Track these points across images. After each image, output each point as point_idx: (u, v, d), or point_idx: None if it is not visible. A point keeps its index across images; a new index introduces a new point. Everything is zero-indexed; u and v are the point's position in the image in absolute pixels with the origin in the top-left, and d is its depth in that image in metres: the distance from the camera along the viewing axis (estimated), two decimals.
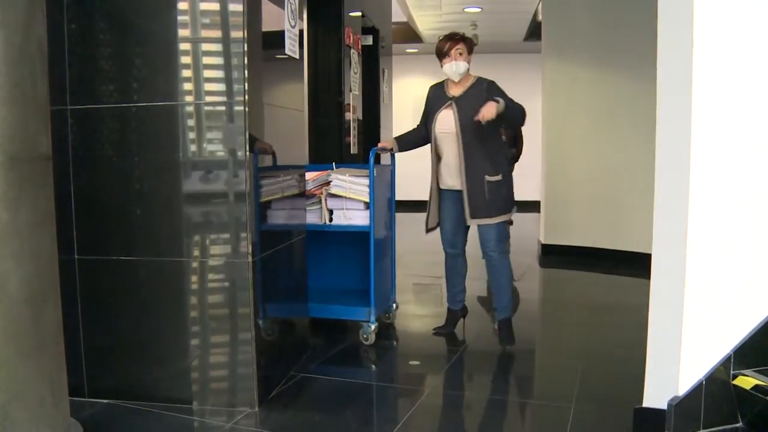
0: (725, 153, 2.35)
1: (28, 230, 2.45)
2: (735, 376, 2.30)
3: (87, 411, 2.95)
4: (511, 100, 3.73)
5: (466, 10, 9.76)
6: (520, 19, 10.54)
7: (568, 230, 6.78)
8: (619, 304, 4.92)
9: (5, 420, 2.40)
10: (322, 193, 3.96)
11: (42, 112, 2.55)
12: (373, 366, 3.93)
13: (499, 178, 3.82)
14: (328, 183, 3.96)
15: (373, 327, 3.95)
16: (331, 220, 3.99)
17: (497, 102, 3.63)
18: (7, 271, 2.37)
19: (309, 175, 3.96)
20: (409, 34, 12.11)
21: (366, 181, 3.89)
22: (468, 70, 3.90)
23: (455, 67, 3.85)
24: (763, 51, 2.34)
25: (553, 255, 6.86)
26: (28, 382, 2.47)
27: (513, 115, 3.80)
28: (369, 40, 6.07)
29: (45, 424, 2.58)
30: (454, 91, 3.92)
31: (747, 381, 2.26)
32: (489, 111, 3.60)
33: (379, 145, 4.26)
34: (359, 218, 3.97)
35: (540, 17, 8.44)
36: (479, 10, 9.68)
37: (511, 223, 5.65)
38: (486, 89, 3.80)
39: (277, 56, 3.42)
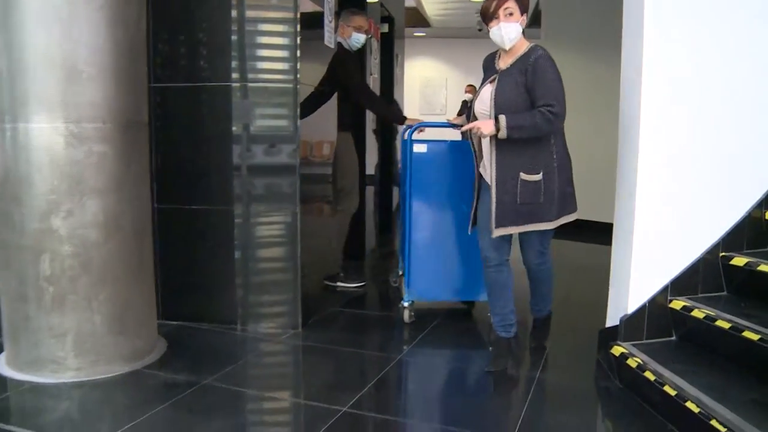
0: (665, 134, 3.08)
1: (135, 180, 3.21)
2: (670, 301, 3.06)
3: (162, 330, 3.66)
4: (541, 110, 2.94)
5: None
6: None
7: None
8: (594, 265, 5.64)
9: (122, 323, 3.16)
10: None
11: (143, 89, 3.29)
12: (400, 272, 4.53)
13: (537, 177, 3.03)
14: None
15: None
16: None
17: (497, 122, 2.97)
18: (122, 210, 3.12)
19: None
20: (416, 18, 12.74)
21: None
22: (521, 34, 3.11)
23: (502, 32, 3.04)
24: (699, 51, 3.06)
25: None
26: (135, 298, 3.23)
27: (521, 137, 3.00)
28: (385, 28, 6.75)
29: (145, 334, 3.35)
30: (503, 63, 3.17)
31: (678, 304, 3.02)
32: (484, 127, 3.01)
33: (452, 119, 3.88)
34: None
35: (540, 6, 9.03)
36: None
37: None
38: (531, 66, 3.01)
39: (316, 46, 4.14)
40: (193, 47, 3.73)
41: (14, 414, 2.77)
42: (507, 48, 3.11)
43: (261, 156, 3.77)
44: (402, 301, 3.98)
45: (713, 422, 2.31)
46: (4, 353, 3.25)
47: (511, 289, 3.29)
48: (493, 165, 3.08)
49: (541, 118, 2.94)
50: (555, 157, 3.08)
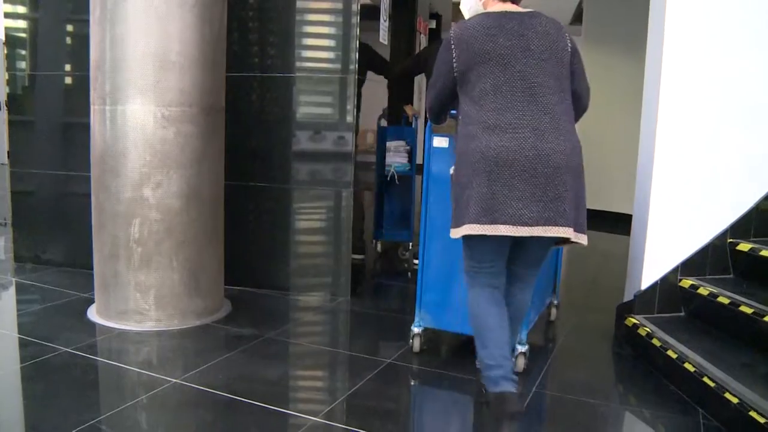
0: (681, 129, 3.44)
1: (213, 158, 3.68)
2: (680, 280, 3.44)
3: (227, 293, 4.12)
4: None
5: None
6: (566, 3, 11.39)
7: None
8: (609, 252, 6.02)
9: (197, 283, 3.64)
10: None
11: (222, 78, 3.75)
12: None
13: (451, 171, 2.67)
14: None
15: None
16: None
17: None
18: (201, 183, 3.59)
19: None
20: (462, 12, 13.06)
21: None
22: (473, 5, 2.74)
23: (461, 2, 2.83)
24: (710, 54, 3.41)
25: None
26: (208, 260, 3.71)
27: (436, 122, 2.86)
28: (433, 24, 7.17)
29: (215, 294, 3.84)
30: None
31: (686, 282, 3.40)
32: None
33: None
34: None
35: (582, 4, 9.22)
36: None
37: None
38: None
39: (372, 42, 4.58)
40: (262, 41, 4.20)
41: (106, 353, 3.26)
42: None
43: (318, 142, 4.22)
44: (412, 327, 3.37)
45: (705, 379, 2.71)
46: (94, 304, 3.77)
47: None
48: None
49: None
50: (456, 148, 2.60)
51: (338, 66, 4.15)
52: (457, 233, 2.46)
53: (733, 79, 3.40)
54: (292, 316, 4.03)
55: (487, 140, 2.38)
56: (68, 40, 4.72)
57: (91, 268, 3.76)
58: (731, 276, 3.46)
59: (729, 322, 3.12)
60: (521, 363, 3.09)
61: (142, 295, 3.53)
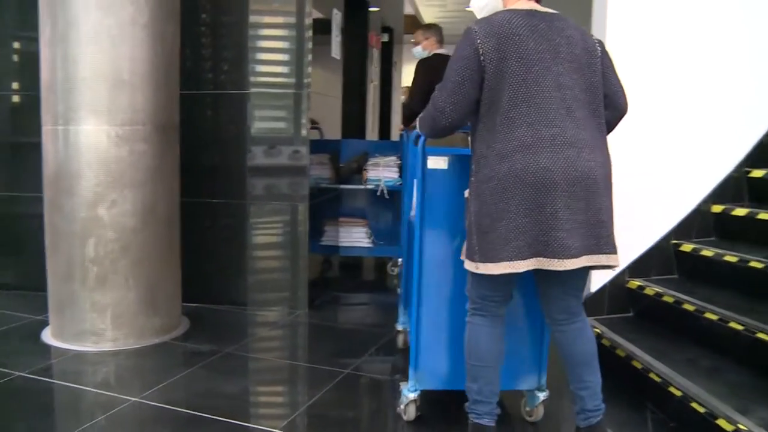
0: (625, 136, 3.56)
1: (168, 175, 3.70)
2: (627, 282, 3.56)
3: (184, 310, 4.09)
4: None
5: (467, 8, 10.88)
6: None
7: None
8: None
9: (154, 301, 3.65)
10: None
11: (175, 95, 3.78)
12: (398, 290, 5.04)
13: (466, 193, 2.36)
14: None
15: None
16: None
17: None
18: (156, 201, 3.61)
19: None
20: (415, 25, 13.24)
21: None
22: (500, 5, 2.37)
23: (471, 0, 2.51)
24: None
25: None
26: (165, 277, 3.73)
27: (427, 134, 2.46)
28: (386, 38, 7.27)
29: (172, 311, 3.85)
30: None
31: (634, 284, 3.52)
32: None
33: None
34: None
35: None
36: None
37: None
38: None
39: (324, 57, 4.65)
40: (215, 58, 4.24)
41: (63, 375, 3.25)
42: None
43: (273, 157, 4.27)
44: (403, 392, 2.75)
45: (651, 375, 2.82)
46: (49, 326, 3.74)
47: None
48: None
49: (426, 107, 2.35)
50: (473, 170, 2.29)
51: (292, 81, 4.20)
52: (490, 269, 2.18)
53: (674, 84, 3.55)
54: (251, 330, 4.05)
55: (524, 161, 2.11)
56: (14, 58, 4.67)
57: (44, 290, 3.75)
58: (676, 276, 3.60)
59: (674, 320, 3.25)
60: (540, 413, 2.77)
61: (99, 314, 3.52)
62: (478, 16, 2.39)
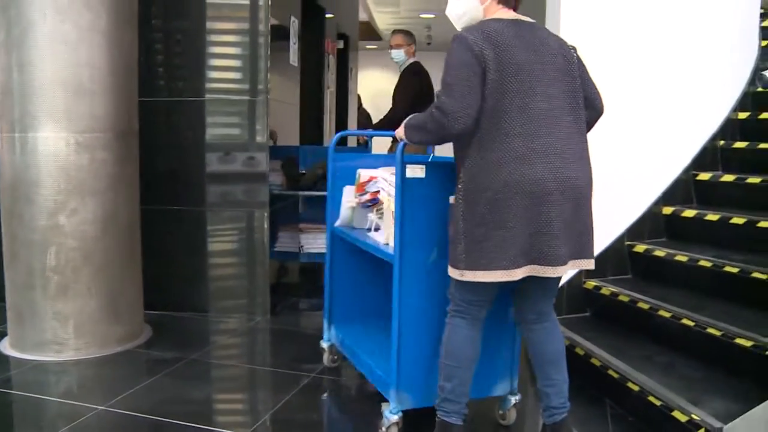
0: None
1: (128, 183, 3.69)
2: (584, 282, 3.67)
3: (147, 318, 4.07)
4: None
5: (421, 15, 11.04)
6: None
7: None
8: None
9: (116, 309, 3.62)
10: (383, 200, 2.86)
11: (134, 102, 3.77)
12: None
13: (451, 200, 2.37)
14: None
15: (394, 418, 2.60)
16: None
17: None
18: (117, 209, 3.59)
19: (372, 173, 2.99)
20: (369, 31, 13.32)
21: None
22: (481, 14, 2.38)
23: (449, 9, 2.49)
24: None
25: None
26: (127, 285, 3.71)
27: (421, 141, 2.49)
28: (341, 44, 7.32)
29: (134, 319, 3.83)
30: None
31: (590, 284, 3.63)
32: (398, 130, 2.50)
33: None
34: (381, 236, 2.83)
35: None
36: (434, 16, 10.96)
37: None
38: None
39: (282, 64, 4.67)
40: (171, 65, 4.24)
41: (24, 386, 3.20)
42: (459, 29, 2.41)
43: (232, 164, 4.28)
44: (384, 414, 2.61)
45: (610, 371, 2.93)
46: (7, 337, 3.68)
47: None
48: None
49: (428, 115, 2.27)
50: (462, 177, 2.28)
51: (249, 87, 4.21)
52: (482, 277, 2.22)
53: (624, 90, 3.66)
54: (214, 337, 4.05)
55: (519, 171, 2.16)
56: None
57: (2, 300, 3.70)
58: (630, 276, 3.72)
59: (629, 319, 3.36)
60: (513, 416, 2.81)
61: (61, 324, 3.48)
62: (457, 24, 2.43)
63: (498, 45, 2.19)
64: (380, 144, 4.51)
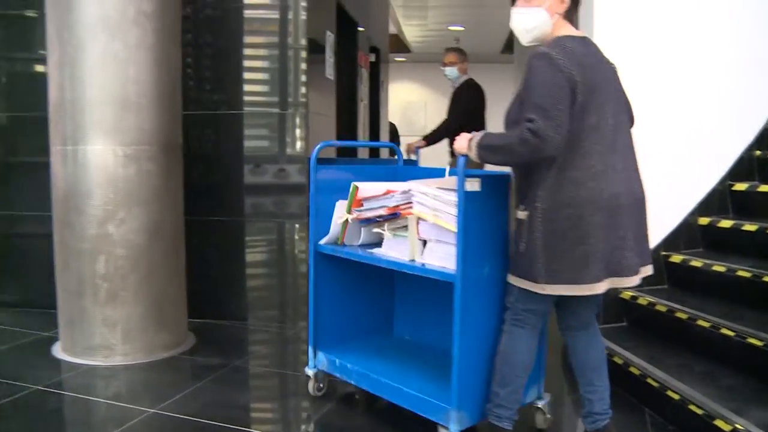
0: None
1: (173, 194, 3.80)
2: (620, 292, 3.70)
3: (189, 326, 4.17)
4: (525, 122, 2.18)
5: (449, 28, 11.10)
6: (498, 34, 11.91)
7: None
8: None
9: (162, 316, 3.73)
10: (410, 213, 2.65)
11: (178, 116, 3.89)
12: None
13: (523, 215, 2.33)
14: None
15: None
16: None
17: (470, 140, 2.36)
18: (163, 219, 3.70)
19: (403, 184, 2.73)
20: (398, 44, 13.43)
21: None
22: (547, 23, 2.37)
23: (513, 21, 2.45)
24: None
25: None
26: (172, 293, 3.81)
27: (498, 162, 2.41)
28: (372, 58, 7.42)
29: (180, 326, 3.93)
30: None
31: (627, 294, 3.67)
32: (458, 143, 2.42)
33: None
34: (450, 258, 2.49)
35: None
36: (462, 28, 11.02)
37: None
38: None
39: (318, 77, 4.77)
40: (212, 79, 4.36)
41: (78, 388, 3.31)
42: (525, 44, 2.46)
43: (270, 176, 4.38)
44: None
45: (649, 380, 2.96)
46: (59, 341, 3.81)
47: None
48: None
49: (517, 137, 2.20)
50: (540, 195, 2.26)
51: (286, 100, 4.33)
52: (565, 291, 2.26)
53: (660, 101, 3.72)
54: (254, 345, 4.15)
55: (599, 187, 2.24)
56: (8, 80, 4.74)
57: (47, 307, 3.88)
58: (666, 286, 3.75)
59: (666, 328, 3.39)
60: (541, 420, 2.85)
61: (109, 329, 3.60)
62: (524, 39, 2.43)
63: (581, 65, 2.22)
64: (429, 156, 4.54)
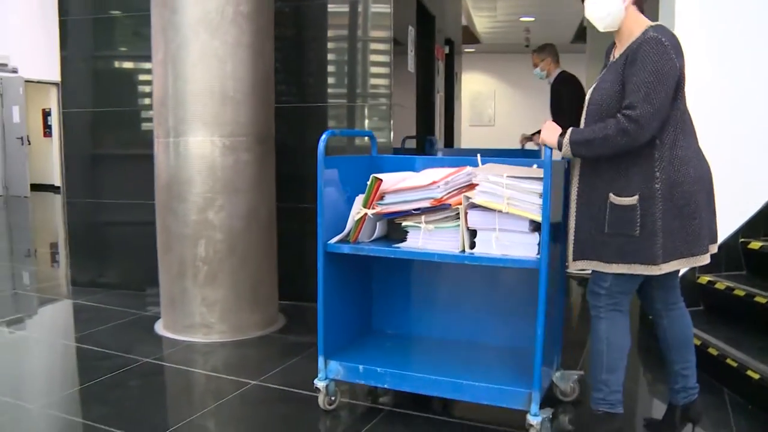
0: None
1: (267, 182, 4.05)
2: (698, 277, 3.78)
3: (279, 307, 4.43)
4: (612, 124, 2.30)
5: (520, 19, 11.13)
6: (568, 24, 11.85)
7: None
8: None
9: (256, 297, 3.99)
10: (460, 203, 2.63)
11: (271, 108, 4.12)
12: None
13: (631, 201, 2.35)
14: (469, 186, 2.67)
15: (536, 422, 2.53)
16: (473, 246, 2.63)
17: (562, 136, 2.46)
18: (258, 206, 3.95)
19: (436, 174, 2.73)
20: (467, 35, 13.48)
21: (540, 186, 2.47)
22: (629, 12, 2.43)
23: (587, 9, 2.50)
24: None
25: None
26: (265, 276, 4.07)
27: (592, 155, 2.42)
28: (447, 50, 7.56)
29: (271, 307, 4.19)
30: (617, 52, 2.53)
31: (704, 279, 3.74)
32: (547, 136, 2.52)
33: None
34: (522, 247, 2.56)
35: (586, 23, 9.69)
36: (533, 19, 11.04)
37: None
38: (632, 53, 2.34)
39: (400, 70, 4.95)
40: (300, 73, 4.59)
41: (184, 361, 3.59)
42: (601, 30, 2.51)
43: None
44: (538, 418, 2.55)
45: (728, 360, 3.06)
46: (161, 320, 4.12)
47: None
48: (575, 180, 2.53)
49: (615, 127, 2.29)
50: (658, 176, 2.34)
51: (373, 92, 4.53)
52: (685, 264, 2.42)
53: (742, 87, 3.77)
54: None
55: (700, 166, 2.45)
56: (119, 79, 5.10)
57: (143, 289, 4.34)
58: (744, 272, 3.81)
59: (744, 313, 3.46)
60: (577, 389, 3.02)
61: (208, 309, 3.87)
62: (599, 26, 2.49)
63: (680, 53, 2.37)
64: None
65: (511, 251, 2.56)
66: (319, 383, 2.91)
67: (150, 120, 4.58)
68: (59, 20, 5.07)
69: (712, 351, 3.18)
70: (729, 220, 3.81)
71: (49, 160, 14.86)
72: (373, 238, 2.93)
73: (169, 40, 3.79)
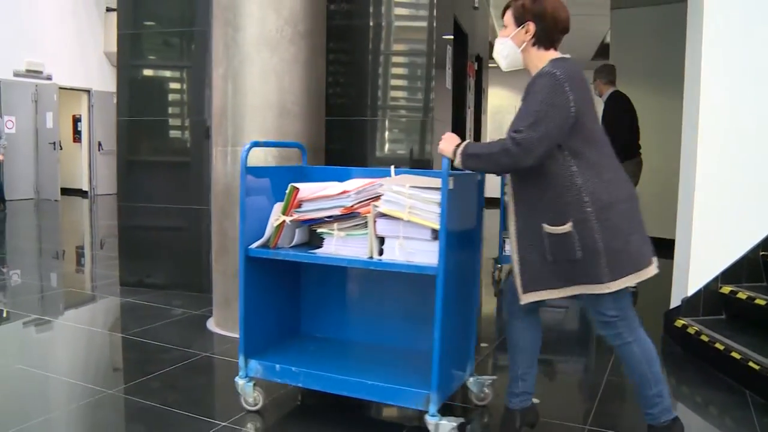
0: (718, 154, 4.04)
1: None
2: (720, 287, 4.02)
3: None
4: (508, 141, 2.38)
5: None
6: (590, 41, 12.11)
7: None
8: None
9: None
10: (369, 212, 2.78)
11: (323, 121, 4.41)
12: None
13: (565, 228, 2.42)
14: (379, 196, 2.78)
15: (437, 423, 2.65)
16: (381, 253, 2.78)
17: (457, 146, 2.52)
18: None
19: (351, 184, 2.93)
20: (490, 50, 13.80)
21: (439, 196, 2.60)
22: (525, 50, 2.54)
23: (495, 49, 2.65)
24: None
25: None
26: None
27: (480, 169, 2.66)
28: (476, 66, 7.85)
29: None
30: None
31: (726, 289, 3.99)
32: (444, 144, 2.58)
33: None
34: (423, 254, 2.70)
35: (608, 39, 9.50)
36: None
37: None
38: (527, 89, 2.48)
39: (439, 86, 5.25)
40: (350, 87, 4.89)
41: (236, 356, 3.85)
42: (504, 69, 2.70)
43: None
44: (443, 422, 2.67)
45: (750, 363, 3.30)
46: (212, 317, 4.40)
47: (527, 351, 2.75)
48: (512, 219, 2.59)
49: (500, 147, 2.40)
50: (587, 200, 2.40)
51: (417, 107, 4.83)
52: (635, 279, 2.45)
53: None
54: None
55: (627, 185, 2.51)
56: (172, 88, 5.43)
57: (192, 290, 4.80)
58: (764, 284, 4.04)
59: (765, 321, 3.70)
60: (490, 394, 3.15)
61: None
62: (501, 65, 2.66)
63: (579, 80, 2.44)
64: None
65: (414, 258, 2.70)
66: (239, 380, 3.07)
67: (193, 128, 5.14)
68: (117, 34, 5.40)
69: (735, 355, 3.43)
70: (749, 234, 4.05)
71: (78, 165, 15.25)
72: (293, 244, 3.04)
73: (231, 56, 4.09)
